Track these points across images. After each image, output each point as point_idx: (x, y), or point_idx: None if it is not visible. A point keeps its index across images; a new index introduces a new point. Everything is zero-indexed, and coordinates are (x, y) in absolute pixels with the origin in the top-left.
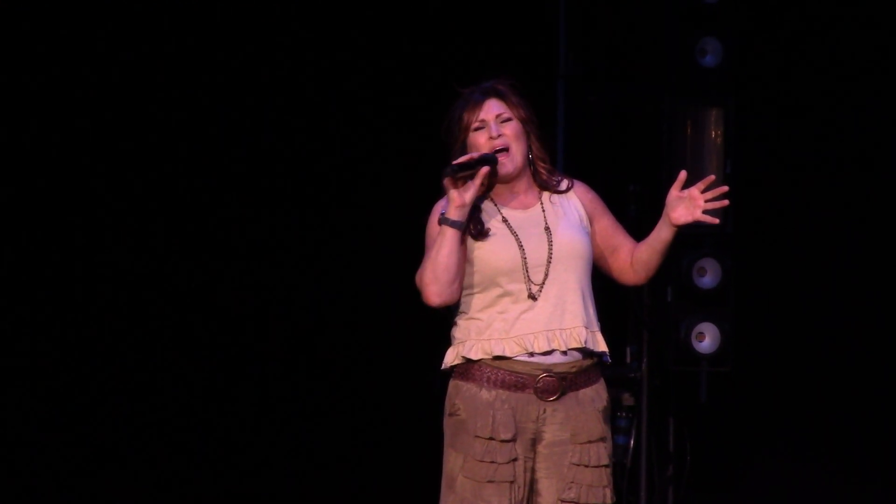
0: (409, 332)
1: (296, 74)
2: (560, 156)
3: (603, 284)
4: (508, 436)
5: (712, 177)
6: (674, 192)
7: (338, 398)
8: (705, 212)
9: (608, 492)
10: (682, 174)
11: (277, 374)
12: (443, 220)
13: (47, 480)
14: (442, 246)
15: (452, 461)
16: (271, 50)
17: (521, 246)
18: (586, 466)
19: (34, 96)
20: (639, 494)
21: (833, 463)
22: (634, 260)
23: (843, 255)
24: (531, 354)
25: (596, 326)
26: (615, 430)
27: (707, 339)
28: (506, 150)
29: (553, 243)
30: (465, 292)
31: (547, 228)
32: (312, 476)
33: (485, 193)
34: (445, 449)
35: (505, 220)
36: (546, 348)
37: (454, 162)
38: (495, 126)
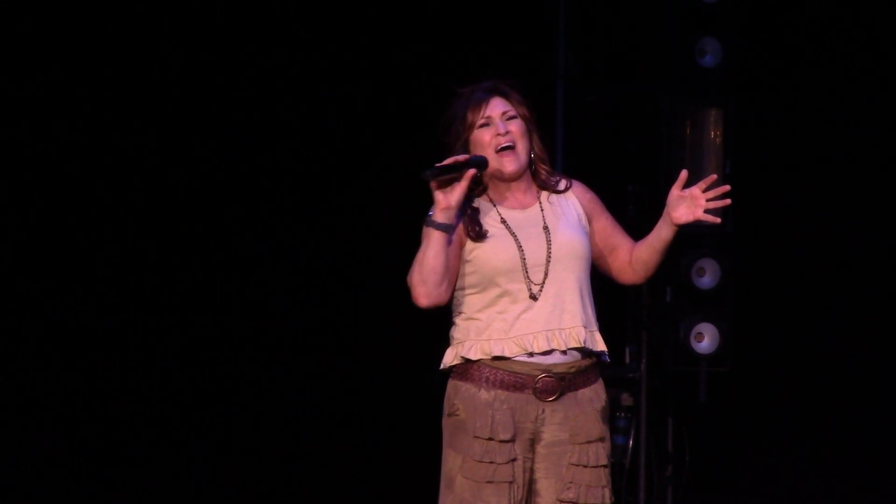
0: (408, 331)
1: (295, 75)
2: (559, 156)
3: (602, 284)
4: (507, 436)
5: (714, 176)
6: (675, 191)
7: (337, 398)
8: (707, 211)
9: (607, 492)
10: (684, 173)
11: (276, 375)
12: (428, 223)
13: (47, 480)
14: (428, 248)
15: (451, 461)
16: (271, 49)
17: (519, 246)
18: (585, 467)
19: (33, 96)
20: (638, 494)
21: (832, 463)
22: (633, 259)
23: (843, 255)
24: (530, 355)
25: (595, 326)
26: (614, 430)
27: (706, 339)
28: (511, 147)
29: (552, 243)
30: (463, 292)
31: (546, 228)
32: (312, 476)
33: (482, 193)
34: (444, 449)
35: (503, 221)
36: (545, 348)
37: (437, 164)
38: (502, 123)
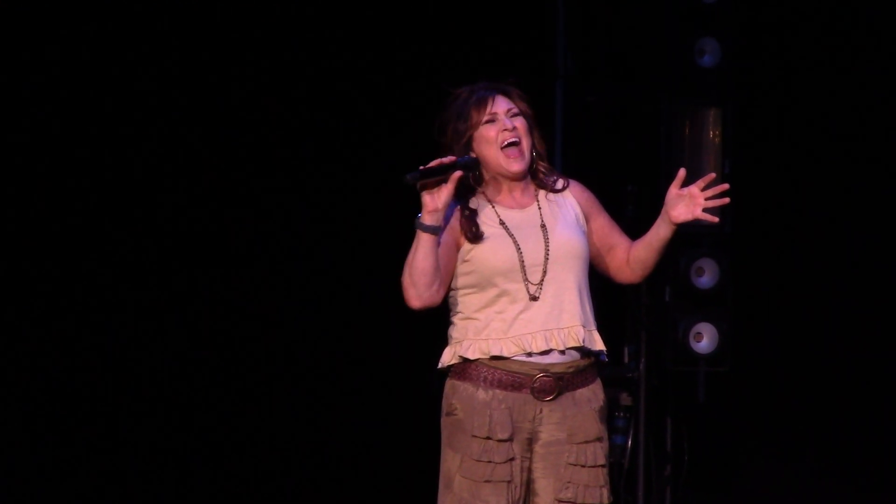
0: (407, 331)
1: (295, 75)
2: (558, 156)
3: (601, 284)
4: (505, 435)
5: (712, 175)
6: (673, 189)
7: (336, 398)
8: (705, 210)
9: (605, 491)
10: (682, 172)
11: (275, 375)
12: (417, 226)
13: (47, 480)
14: (417, 250)
15: (450, 461)
16: (271, 49)
17: (517, 246)
18: (583, 466)
19: (33, 96)
20: (636, 494)
21: (831, 463)
22: (631, 258)
23: (842, 255)
24: (529, 354)
25: (593, 325)
26: (613, 429)
27: (705, 339)
28: (517, 143)
29: (549, 242)
30: (462, 292)
31: (543, 227)
32: (311, 476)
33: (480, 193)
34: (443, 449)
35: (502, 221)
36: (544, 348)
37: (421, 167)
38: (507, 119)
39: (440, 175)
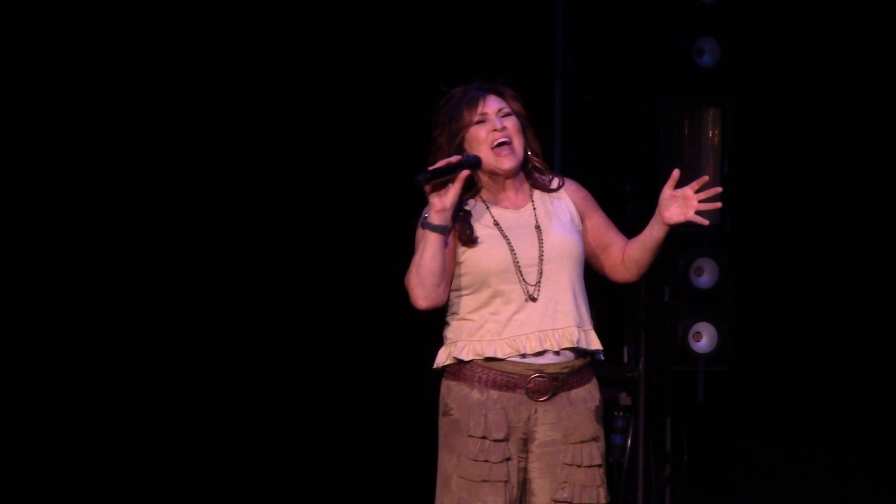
0: (405, 331)
1: (293, 74)
2: (557, 155)
3: (601, 284)
4: (501, 435)
5: (706, 178)
6: (667, 191)
7: (334, 398)
8: (698, 212)
9: (602, 491)
10: (675, 173)
11: (273, 375)
12: (424, 225)
13: (48, 481)
14: (425, 250)
15: (447, 461)
16: (270, 48)
17: (511, 247)
18: (579, 466)
19: (32, 95)
20: (636, 494)
21: (831, 462)
22: (626, 258)
23: (841, 255)
24: (523, 356)
25: (589, 325)
26: (612, 429)
27: (704, 338)
28: (507, 142)
29: (544, 242)
30: (456, 293)
31: (538, 227)
32: (309, 476)
33: (475, 195)
34: (440, 449)
35: (496, 222)
36: (538, 349)
37: (429, 168)
38: (497, 119)
39: (448, 175)
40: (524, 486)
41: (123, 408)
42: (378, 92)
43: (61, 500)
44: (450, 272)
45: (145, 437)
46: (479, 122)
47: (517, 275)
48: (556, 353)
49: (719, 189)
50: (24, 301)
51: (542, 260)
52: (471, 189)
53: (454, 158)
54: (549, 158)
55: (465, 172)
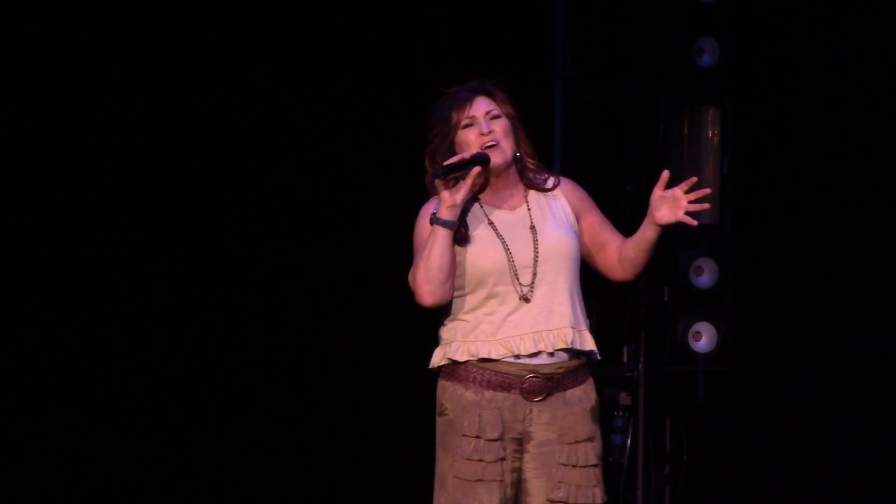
0: (403, 330)
1: (293, 74)
2: (557, 155)
3: (600, 283)
4: (495, 434)
5: (695, 178)
6: (657, 192)
7: (332, 398)
8: (688, 213)
9: (598, 491)
10: (665, 174)
11: (270, 375)
12: (434, 220)
13: (48, 481)
14: (434, 246)
15: (443, 461)
16: (270, 47)
17: (507, 248)
18: (574, 466)
19: (32, 95)
20: (636, 494)
21: (830, 462)
22: (622, 257)
23: (840, 254)
24: (517, 356)
25: (584, 325)
26: (612, 429)
27: (704, 338)
28: (495, 146)
29: (539, 243)
30: (452, 293)
31: (533, 228)
32: (307, 477)
33: (474, 195)
34: (437, 449)
35: (491, 223)
36: (532, 350)
37: (445, 163)
38: (485, 123)
39: (461, 170)
40: (520, 486)
41: (121, 408)
42: (378, 92)
43: (61, 499)
44: (454, 270)
45: (143, 438)
46: (467, 126)
47: (511, 276)
48: (551, 354)
49: (707, 190)
50: (24, 300)
51: (536, 261)
52: (476, 188)
53: (467, 154)
54: (548, 158)
55: (477, 169)
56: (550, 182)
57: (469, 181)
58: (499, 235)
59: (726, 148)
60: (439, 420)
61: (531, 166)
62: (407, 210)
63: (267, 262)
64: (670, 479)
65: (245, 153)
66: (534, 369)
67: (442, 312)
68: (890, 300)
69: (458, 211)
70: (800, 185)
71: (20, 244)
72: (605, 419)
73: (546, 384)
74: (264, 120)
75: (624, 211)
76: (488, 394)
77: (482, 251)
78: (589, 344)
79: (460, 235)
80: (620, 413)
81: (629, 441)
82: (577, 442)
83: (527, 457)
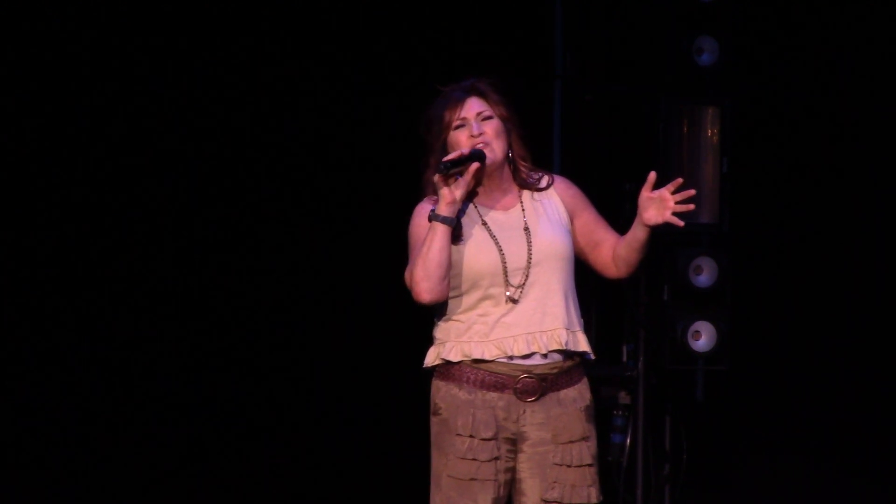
0: (397, 329)
1: (293, 74)
2: (556, 155)
3: (600, 282)
4: (489, 434)
5: (680, 180)
6: (644, 192)
7: (327, 397)
8: (675, 214)
9: (593, 491)
10: (652, 175)
11: (263, 376)
12: (434, 217)
13: (49, 481)
14: (433, 242)
15: (437, 460)
16: (270, 46)
17: (500, 250)
18: (569, 466)
19: (31, 95)
20: (635, 493)
21: (830, 461)
22: (615, 256)
23: (840, 254)
24: (510, 357)
25: (578, 326)
26: (612, 428)
27: (703, 337)
28: (485, 147)
29: (532, 244)
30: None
31: (526, 229)
32: (303, 476)
33: (468, 195)
34: (432, 449)
35: (485, 224)
36: (525, 351)
37: (445, 159)
38: (476, 124)
39: (460, 166)
40: (514, 486)
41: (120, 408)
42: (378, 91)
43: (61, 499)
44: (450, 268)
45: (142, 438)
46: (458, 127)
47: (503, 277)
48: (544, 355)
49: (693, 192)
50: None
51: (530, 262)
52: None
53: (466, 150)
54: (548, 157)
55: (476, 165)
56: (544, 181)
57: (467, 177)
58: (493, 237)
59: (726, 147)
60: (433, 420)
61: (523, 167)
62: (401, 209)
63: (261, 263)
64: (670, 479)
65: (243, 153)
66: (527, 370)
67: (436, 312)
68: (890, 300)
69: (457, 207)
70: (799, 185)
71: (20, 244)
72: (604, 418)
73: (540, 384)
74: (261, 120)
75: (623, 210)
76: (482, 394)
77: (476, 253)
78: (583, 345)
79: (455, 236)
80: (620, 412)
81: (628, 440)
82: (571, 442)
83: (521, 457)
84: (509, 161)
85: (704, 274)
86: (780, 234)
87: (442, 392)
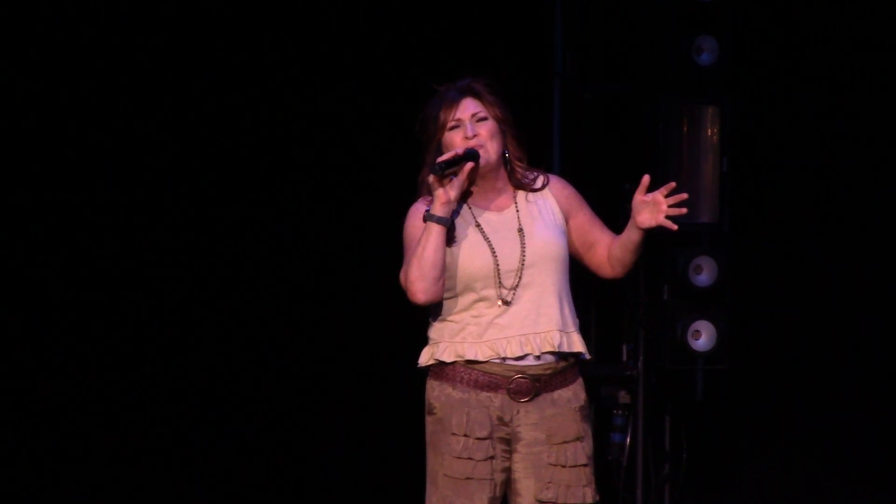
0: (392, 329)
1: (289, 73)
2: (556, 154)
3: (599, 282)
4: (483, 433)
5: (673, 184)
6: (638, 196)
7: (323, 397)
8: (668, 217)
9: (588, 491)
10: (646, 178)
11: (260, 375)
12: (429, 217)
13: (49, 481)
14: (428, 242)
15: (433, 460)
16: (269, 45)
17: (493, 252)
18: (563, 466)
19: (31, 95)
20: (635, 492)
21: (829, 461)
22: (610, 256)
23: (840, 253)
24: (503, 359)
25: (572, 327)
26: (611, 427)
27: (703, 337)
28: (479, 148)
29: (526, 246)
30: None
31: (520, 231)
32: (299, 476)
33: (462, 196)
34: (427, 449)
35: (478, 225)
36: (518, 353)
37: (440, 159)
38: (471, 125)
39: (455, 166)
40: (509, 486)
41: (120, 407)
42: (377, 91)
43: (61, 500)
44: (445, 268)
45: (136, 437)
46: (453, 128)
47: (496, 279)
48: (538, 356)
49: (685, 195)
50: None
51: (523, 264)
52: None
53: (460, 150)
54: (547, 157)
55: (470, 165)
56: (539, 181)
57: (462, 177)
58: (486, 239)
59: (725, 147)
60: (428, 419)
61: (519, 168)
62: (397, 209)
63: (255, 263)
64: (669, 478)
65: (240, 153)
66: (521, 370)
67: (431, 312)
68: (890, 299)
69: (452, 207)
70: (799, 184)
71: (20, 244)
72: (604, 418)
73: (533, 385)
74: (259, 120)
75: (623, 210)
76: (476, 393)
77: (470, 255)
78: (577, 345)
79: (448, 238)
80: (620, 412)
81: (628, 440)
82: (565, 442)
83: (516, 457)
84: (504, 162)
85: (704, 273)
86: (780, 234)
87: (436, 392)
